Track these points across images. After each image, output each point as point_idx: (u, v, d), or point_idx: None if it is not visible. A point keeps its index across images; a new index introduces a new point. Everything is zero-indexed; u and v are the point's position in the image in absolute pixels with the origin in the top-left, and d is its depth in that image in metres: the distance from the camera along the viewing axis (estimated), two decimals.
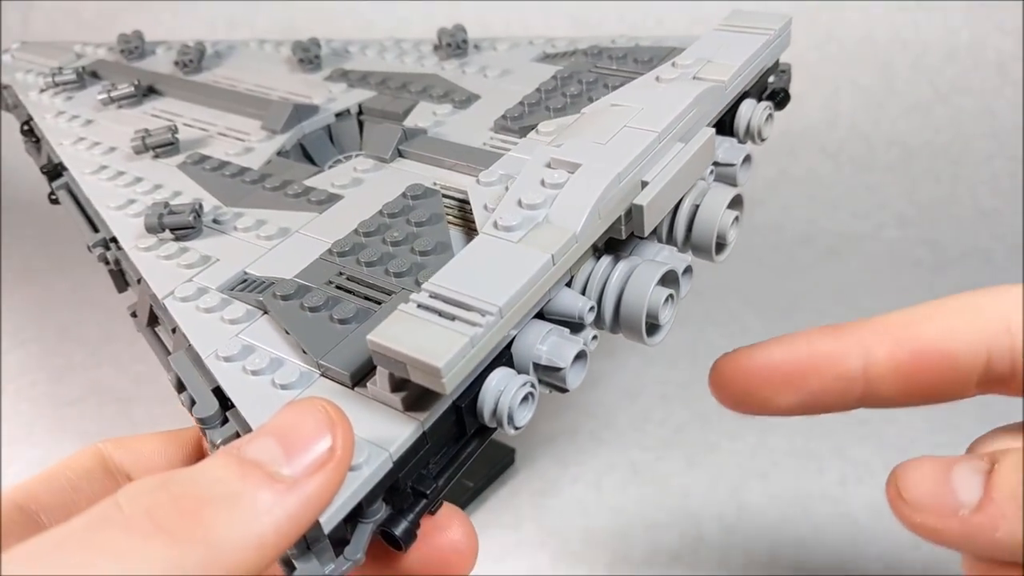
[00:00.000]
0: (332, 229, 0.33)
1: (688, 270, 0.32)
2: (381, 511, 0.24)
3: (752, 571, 0.45)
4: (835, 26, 0.85)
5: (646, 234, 0.29)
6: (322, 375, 0.26)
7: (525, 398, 0.26)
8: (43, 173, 0.45)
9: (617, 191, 0.28)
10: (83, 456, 0.29)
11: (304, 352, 0.27)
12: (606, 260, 0.29)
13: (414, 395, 0.24)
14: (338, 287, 0.29)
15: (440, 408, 0.25)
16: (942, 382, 0.25)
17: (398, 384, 0.24)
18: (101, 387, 0.64)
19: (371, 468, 0.23)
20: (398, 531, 0.24)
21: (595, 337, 0.29)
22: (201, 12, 0.99)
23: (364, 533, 0.23)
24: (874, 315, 0.26)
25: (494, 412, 0.25)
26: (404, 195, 0.33)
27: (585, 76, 0.40)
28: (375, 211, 0.33)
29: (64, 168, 0.43)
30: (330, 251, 0.31)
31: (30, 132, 0.50)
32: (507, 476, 0.52)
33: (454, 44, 0.47)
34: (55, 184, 0.44)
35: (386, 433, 0.24)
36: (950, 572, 0.44)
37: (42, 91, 0.53)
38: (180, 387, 0.28)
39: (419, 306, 0.24)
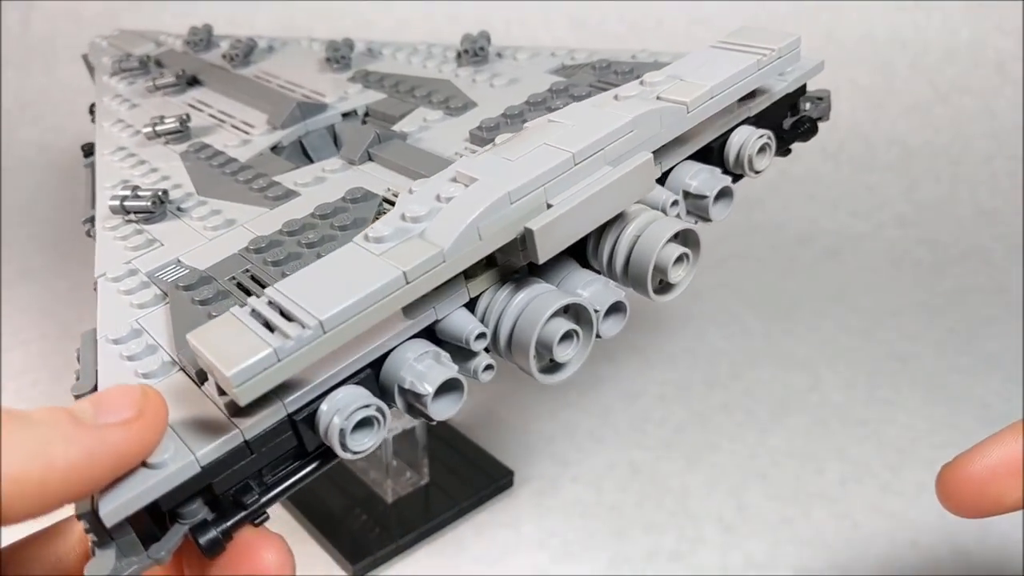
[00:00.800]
0: (271, 226, 0.32)
1: (619, 308, 0.28)
2: (199, 514, 0.23)
3: (752, 571, 0.45)
4: (835, 26, 0.85)
5: (540, 262, 0.26)
6: (180, 369, 0.25)
7: (367, 422, 0.24)
8: (82, 150, 0.48)
9: (508, 212, 0.25)
10: None
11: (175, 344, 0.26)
12: (510, 286, 0.27)
13: (242, 405, 0.23)
14: (238, 284, 0.28)
15: (269, 419, 0.23)
16: None
17: (222, 389, 0.23)
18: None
19: (173, 467, 0.22)
20: (202, 539, 0.23)
21: (489, 367, 0.27)
22: (201, 12, 0.99)
23: (175, 534, 0.23)
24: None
25: (326, 432, 0.24)
26: (344, 198, 0.32)
27: (579, 90, 0.38)
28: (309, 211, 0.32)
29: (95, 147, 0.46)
30: (247, 247, 0.30)
31: (93, 112, 0.53)
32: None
33: (472, 51, 0.46)
34: (86, 162, 0.46)
35: (202, 436, 0.23)
36: (949, 572, 0.44)
37: (112, 75, 0.56)
38: (79, 361, 0.28)
39: (252, 311, 0.23)
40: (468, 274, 0.27)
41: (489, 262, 0.27)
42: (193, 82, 0.53)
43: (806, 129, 0.37)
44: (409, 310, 0.25)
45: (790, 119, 0.37)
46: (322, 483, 0.51)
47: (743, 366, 0.59)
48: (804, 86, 0.37)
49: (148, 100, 0.51)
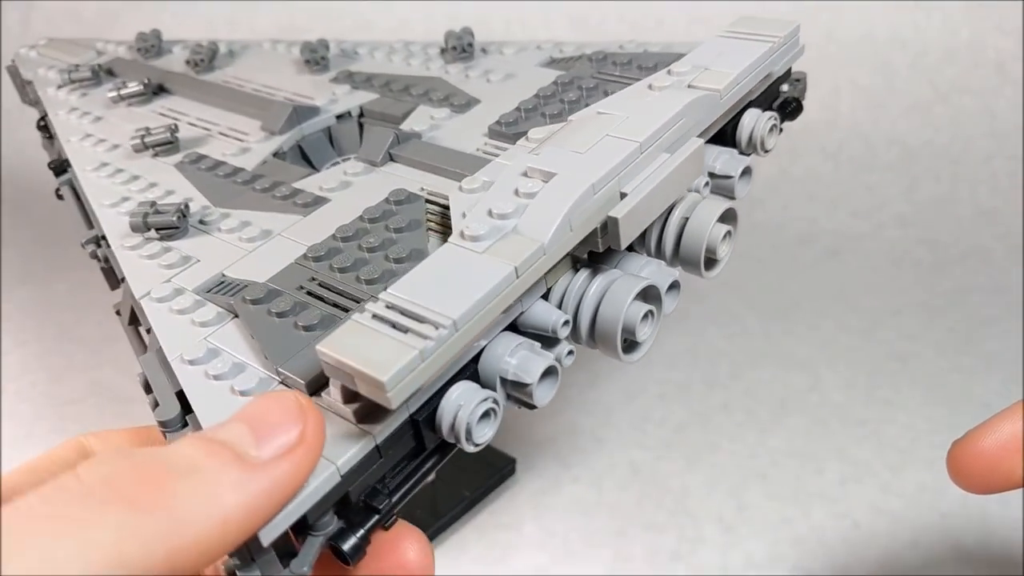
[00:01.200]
0: (314, 232, 0.32)
1: (675, 286, 0.30)
2: (332, 524, 0.23)
3: (752, 571, 0.45)
4: (835, 26, 0.85)
5: (623, 247, 0.28)
6: (281, 383, 0.25)
7: (486, 414, 0.25)
8: (50, 168, 0.45)
9: (592, 202, 0.27)
10: (65, 448, 0.28)
11: (266, 358, 0.26)
12: (584, 273, 0.28)
13: (367, 407, 0.23)
14: (309, 292, 0.28)
15: (395, 422, 0.24)
16: None
17: (350, 396, 0.23)
18: (101, 387, 0.64)
19: (317, 481, 0.22)
20: (346, 546, 0.23)
21: (571, 352, 0.28)
22: (201, 12, 0.99)
23: (312, 546, 0.23)
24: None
25: (452, 427, 0.24)
26: (387, 200, 0.32)
27: (586, 82, 0.39)
28: (356, 216, 0.32)
29: (69, 164, 0.43)
30: (305, 255, 0.30)
31: (45, 128, 0.51)
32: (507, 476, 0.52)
33: (460, 47, 0.46)
34: (60, 180, 0.44)
35: (337, 445, 0.23)
36: (949, 572, 0.44)
37: (59, 87, 0.53)
38: (147, 388, 0.28)
39: (374, 316, 0.23)
40: None
41: None
42: (159, 90, 0.51)
43: (792, 109, 0.40)
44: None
45: (779, 100, 0.39)
46: None
47: (743, 366, 0.59)
48: (790, 69, 0.39)
49: (112, 111, 0.49)
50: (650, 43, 0.43)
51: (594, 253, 0.29)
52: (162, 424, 0.26)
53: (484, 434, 0.25)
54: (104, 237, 0.36)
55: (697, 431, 0.54)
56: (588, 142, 0.29)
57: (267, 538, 0.21)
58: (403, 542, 0.25)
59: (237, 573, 0.22)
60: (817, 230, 0.74)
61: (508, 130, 0.36)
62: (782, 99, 0.39)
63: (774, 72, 0.37)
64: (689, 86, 0.32)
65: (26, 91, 0.58)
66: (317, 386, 0.25)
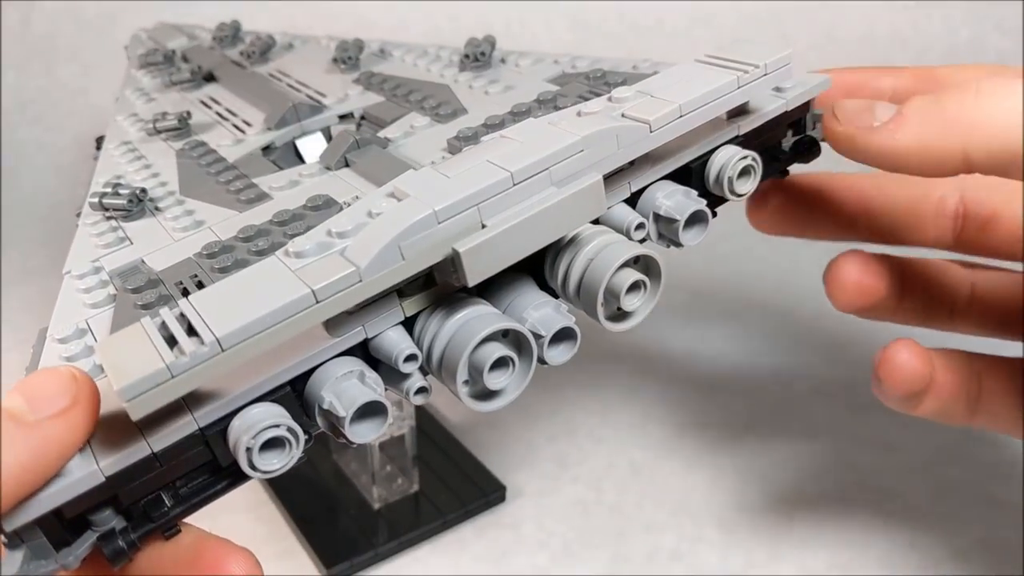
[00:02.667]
0: (234, 229, 0.31)
1: (568, 335, 0.27)
2: (111, 523, 0.23)
3: (752, 571, 0.45)
4: (835, 26, 0.85)
5: (470, 285, 0.25)
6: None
7: (277, 442, 0.23)
8: (96, 142, 0.47)
9: (435, 231, 0.24)
10: None
11: None
12: (444, 306, 0.26)
13: (134, 420, 0.22)
14: (184, 290, 0.27)
15: (178, 432, 0.23)
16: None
17: None
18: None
19: (77, 475, 0.22)
20: (106, 548, 0.23)
21: (422, 389, 0.26)
22: (201, 12, 0.99)
23: (84, 541, 0.23)
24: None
25: (234, 449, 0.23)
26: (305, 204, 0.31)
27: (568, 101, 0.36)
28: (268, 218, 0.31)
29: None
30: (200, 251, 0.29)
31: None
32: (507, 477, 0.52)
33: (473, 56, 0.45)
34: (96, 154, 0.46)
35: (109, 447, 0.22)
36: (949, 572, 0.44)
37: (139, 68, 0.56)
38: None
39: (162, 323, 0.22)
40: (404, 292, 0.26)
41: (428, 281, 0.26)
42: (209, 78, 0.53)
43: (806, 150, 0.36)
44: (333, 327, 0.25)
45: (791, 139, 0.35)
46: (311, 483, 0.51)
47: (743, 366, 0.59)
48: (807, 104, 0.35)
49: (164, 95, 0.51)
50: (664, 63, 0.40)
51: (485, 283, 0.26)
52: None
53: (271, 463, 0.23)
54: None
55: (697, 431, 0.54)
56: (464, 166, 0.26)
57: (12, 523, 0.21)
58: (229, 558, 0.24)
59: (4, 550, 0.22)
60: None
61: (464, 144, 0.34)
62: (796, 139, 0.35)
63: (760, 106, 0.33)
64: (623, 115, 0.28)
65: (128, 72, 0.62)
66: None
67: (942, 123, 0.25)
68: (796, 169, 0.37)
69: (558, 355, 0.27)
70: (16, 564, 0.22)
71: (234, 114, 0.46)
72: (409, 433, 0.49)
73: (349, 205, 0.31)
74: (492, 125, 0.35)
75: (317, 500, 0.50)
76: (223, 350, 0.21)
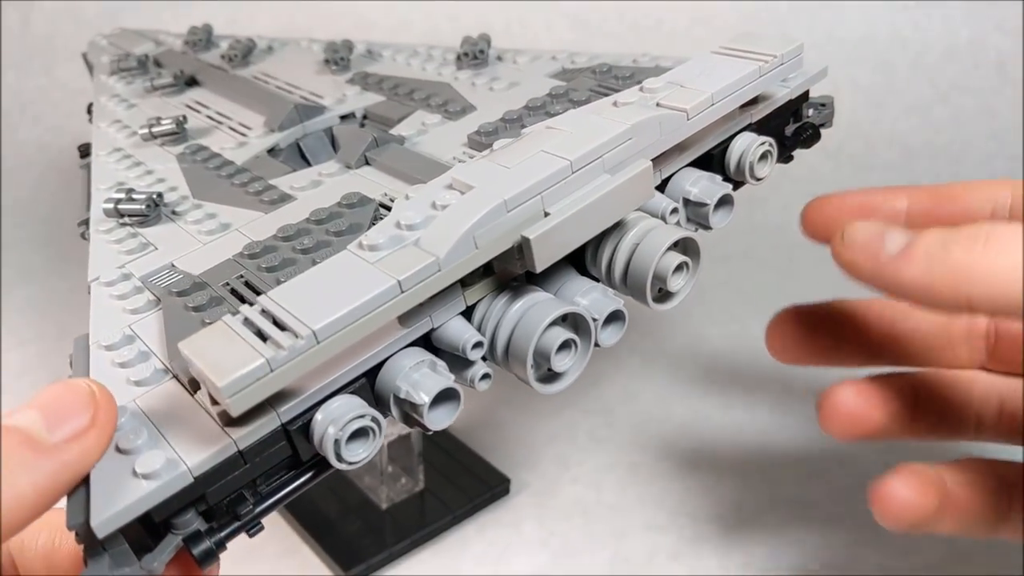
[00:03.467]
0: (267, 230, 0.31)
1: (617, 316, 0.28)
2: (193, 524, 0.23)
3: (752, 571, 0.45)
4: (835, 26, 0.85)
5: (538, 270, 0.26)
6: (172, 377, 0.25)
7: (363, 432, 0.24)
8: (78, 150, 0.48)
9: (505, 220, 0.25)
10: None
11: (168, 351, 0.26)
12: (507, 294, 0.27)
13: (234, 416, 0.22)
14: (232, 290, 0.28)
15: (262, 430, 0.23)
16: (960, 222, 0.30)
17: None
18: None
19: (166, 478, 0.22)
20: (195, 550, 0.23)
21: (487, 376, 0.26)
22: (201, 12, 0.99)
23: (169, 544, 0.23)
24: None
25: (321, 442, 0.23)
26: (339, 203, 0.32)
27: (579, 95, 0.37)
28: (305, 216, 0.31)
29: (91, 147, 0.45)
30: (242, 252, 0.30)
31: (91, 111, 0.54)
32: (508, 477, 0.52)
33: (472, 53, 0.45)
34: (82, 163, 0.46)
35: (196, 446, 0.22)
36: (949, 572, 0.44)
37: (110, 74, 0.56)
38: (71, 367, 0.28)
39: (245, 320, 0.23)
40: (465, 282, 0.26)
41: (486, 270, 0.27)
42: (191, 83, 0.52)
43: (808, 136, 0.37)
44: (405, 318, 0.25)
45: (792, 125, 0.37)
46: (317, 489, 0.50)
47: (743, 366, 0.59)
48: (807, 92, 0.36)
49: (146, 100, 0.51)
50: (663, 57, 0.41)
51: (533, 274, 0.27)
52: None
53: (357, 454, 0.24)
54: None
55: (697, 431, 0.54)
56: (520, 156, 0.27)
57: (100, 531, 0.21)
58: None
59: (87, 560, 0.22)
60: None
61: (486, 140, 0.35)
62: (797, 125, 0.37)
63: (772, 95, 0.35)
64: (658, 104, 0.30)
65: (92, 77, 0.61)
66: (198, 385, 0.24)
67: (948, 268, 0.26)
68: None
69: (609, 336, 0.28)
70: (101, 572, 0.21)
71: (228, 117, 0.45)
72: (415, 432, 0.49)
73: (381, 202, 0.32)
74: (510, 120, 0.36)
75: (325, 506, 0.50)
76: (319, 342, 0.22)
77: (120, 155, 0.42)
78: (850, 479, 0.50)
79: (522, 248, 0.25)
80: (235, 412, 0.21)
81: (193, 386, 0.24)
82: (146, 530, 0.22)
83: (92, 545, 0.21)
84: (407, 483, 0.50)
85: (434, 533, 0.48)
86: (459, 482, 0.50)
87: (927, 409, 0.35)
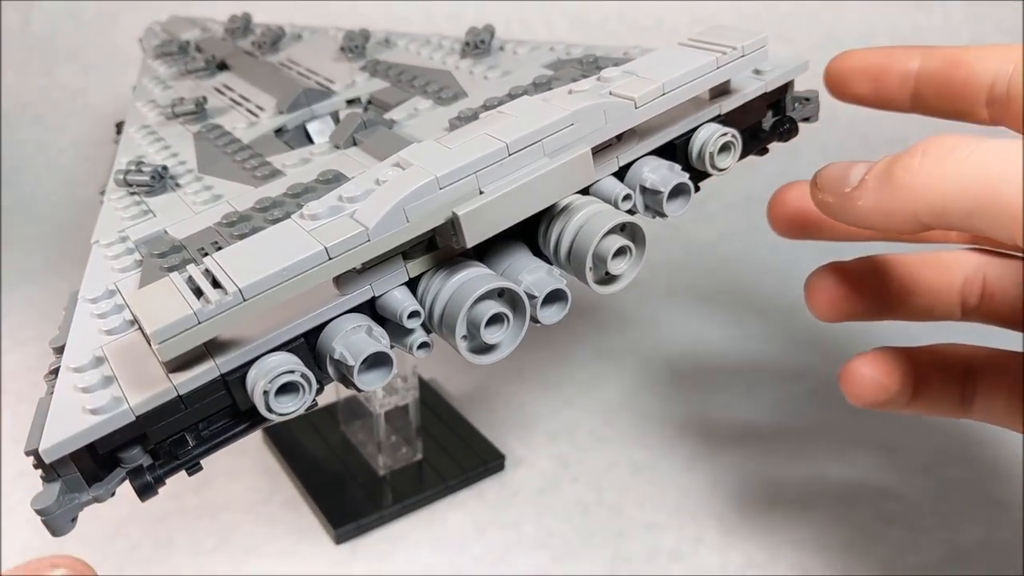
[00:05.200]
0: (250, 202, 0.34)
1: (559, 296, 0.29)
2: (139, 460, 0.25)
3: (752, 571, 0.45)
4: (835, 26, 0.85)
5: (468, 246, 0.27)
6: (137, 328, 0.27)
7: (292, 387, 0.25)
8: (116, 127, 0.51)
9: (436, 196, 0.26)
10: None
11: None
12: (445, 267, 0.28)
13: (179, 358, 0.25)
14: (205, 254, 0.30)
15: (202, 378, 0.25)
16: (961, 91, 0.34)
17: None
18: None
19: (109, 414, 0.24)
20: (135, 483, 0.25)
21: (424, 344, 0.28)
22: (201, 12, 0.99)
23: (115, 476, 0.25)
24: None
25: (252, 393, 0.25)
26: (316, 178, 0.34)
27: (561, 83, 0.38)
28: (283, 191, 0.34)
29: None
30: (220, 221, 0.32)
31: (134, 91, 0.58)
32: (506, 475, 0.52)
33: (474, 43, 0.48)
34: (116, 138, 0.49)
35: (139, 388, 0.24)
36: (949, 572, 0.44)
37: (155, 58, 0.60)
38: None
39: (188, 278, 0.25)
40: (408, 255, 0.28)
41: (430, 245, 0.28)
42: (223, 67, 0.56)
43: (786, 130, 0.37)
44: (343, 285, 0.27)
45: (771, 119, 0.37)
46: (322, 452, 0.54)
47: (744, 366, 0.59)
48: (787, 86, 0.37)
49: (180, 83, 0.54)
50: (655, 49, 0.42)
51: (484, 250, 0.29)
52: (53, 349, 0.28)
53: (286, 406, 0.25)
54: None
55: (697, 431, 0.54)
56: (463, 138, 0.28)
57: (48, 456, 0.23)
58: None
59: (42, 483, 0.24)
60: None
61: (463, 124, 0.36)
62: (776, 119, 0.37)
63: (741, 87, 0.35)
64: (610, 93, 0.30)
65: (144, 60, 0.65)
66: None
67: (892, 189, 0.27)
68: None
69: (551, 315, 0.29)
70: (52, 495, 0.24)
71: (247, 100, 0.48)
72: (413, 404, 0.51)
73: (350, 179, 0.33)
74: (491, 106, 0.37)
75: (325, 468, 0.52)
76: (244, 300, 0.24)
77: (146, 131, 0.45)
78: (850, 478, 0.50)
79: (454, 224, 0.27)
80: (163, 358, 0.24)
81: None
82: (98, 463, 0.25)
83: (47, 471, 0.24)
84: (406, 452, 0.52)
85: (429, 499, 0.50)
86: (455, 454, 0.52)
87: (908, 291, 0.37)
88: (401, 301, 0.27)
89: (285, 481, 0.52)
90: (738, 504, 0.48)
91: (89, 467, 0.24)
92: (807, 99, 0.38)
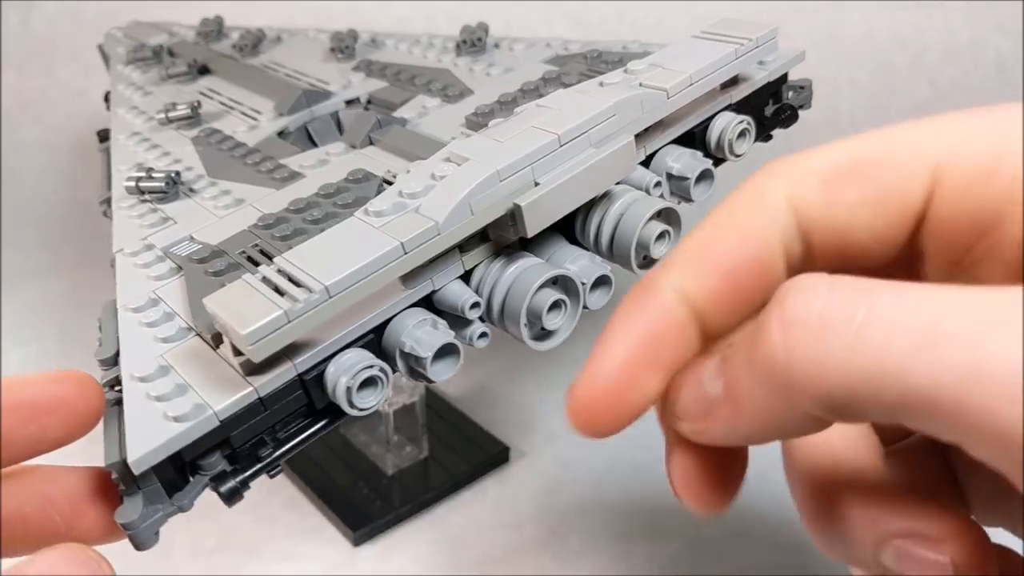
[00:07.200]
0: (278, 204, 0.34)
1: (604, 281, 0.30)
2: (219, 466, 0.25)
3: (752, 571, 0.45)
4: (835, 26, 0.85)
5: (529, 235, 0.28)
6: (196, 334, 0.27)
7: (372, 382, 0.26)
8: (97, 135, 0.50)
9: (498, 189, 0.27)
10: None
11: (191, 311, 0.28)
12: (502, 258, 0.29)
13: (256, 362, 0.25)
14: (248, 257, 0.30)
15: (281, 379, 0.25)
16: (760, 289, 0.21)
17: (238, 349, 0.25)
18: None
19: (192, 422, 0.24)
20: (222, 488, 0.25)
21: (484, 335, 0.29)
22: (201, 11, 0.99)
23: (197, 484, 0.25)
24: None
25: (334, 391, 0.26)
26: (346, 178, 0.34)
27: (570, 78, 0.39)
28: (314, 191, 0.34)
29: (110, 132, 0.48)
30: (256, 223, 0.32)
31: (108, 99, 0.56)
32: (507, 476, 0.52)
33: (470, 41, 0.48)
34: (101, 147, 0.48)
35: (221, 393, 0.25)
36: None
37: (126, 64, 0.59)
38: (100, 330, 0.30)
39: (263, 278, 0.25)
40: (463, 248, 0.28)
41: (483, 237, 0.29)
42: (204, 71, 0.55)
43: (787, 116, 0.39)
44: (407, 280, 0.27)
45: (772, 107, 0.39)
46: (327, 458, 0.54)
47: None
48: (785, 75, 0.39)
49: (161, 88, 0.53)
50: (652, 43, 0.43)
51: (527, 241, 0.30)
52: (101, 363, 0.28)
53: (367, 401, 0.26)
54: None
55: None
56: (512, 132, 0.29)
57: (137, 467, 0.23)
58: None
59: (123, 498, 0.24)
60: None
61: (482, 120, 0.37)
62: (778, 106, 0.39)
63: (751, 76, 0.37)
64: (640, 84, 0.32)
65: (108, 68, 0.64)
66: (222, 339, 0.26)
67: (766, 389, 0.19)
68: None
69: (598, 299, 0.30)
70: (137, 508, 0.23)
71: (239, 103, 0.48)
72: (420, 402, 0.51)
73: (384, 178, 0.35)
74: (505, 102, 0.38)
75: (334, 474, 0.52)
76: (330, 297, 0.24)
77: (139, 139, 0.45)
78: None
79: (514, 215, 0.28)
80: (256, 358, 0.24)
81: (216, 341, 0.26)
82: (178, 473, 0.25)
83: (128, 484, 0.24)
84: (412, 451, 0.52)
85: (439, 496, 0.50)
86: (460, 450, 0.52)
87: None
88: (460, 293, 0.28)
89: (285, 481, 0.52)
90: (738, 504, 0.48)
91: (169, 477, 0.24)
92: (801, 87, 0.40)
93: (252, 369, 0.25)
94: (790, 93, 0.39)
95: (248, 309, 0.24)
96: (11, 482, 0.25)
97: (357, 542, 0.47)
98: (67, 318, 0.72)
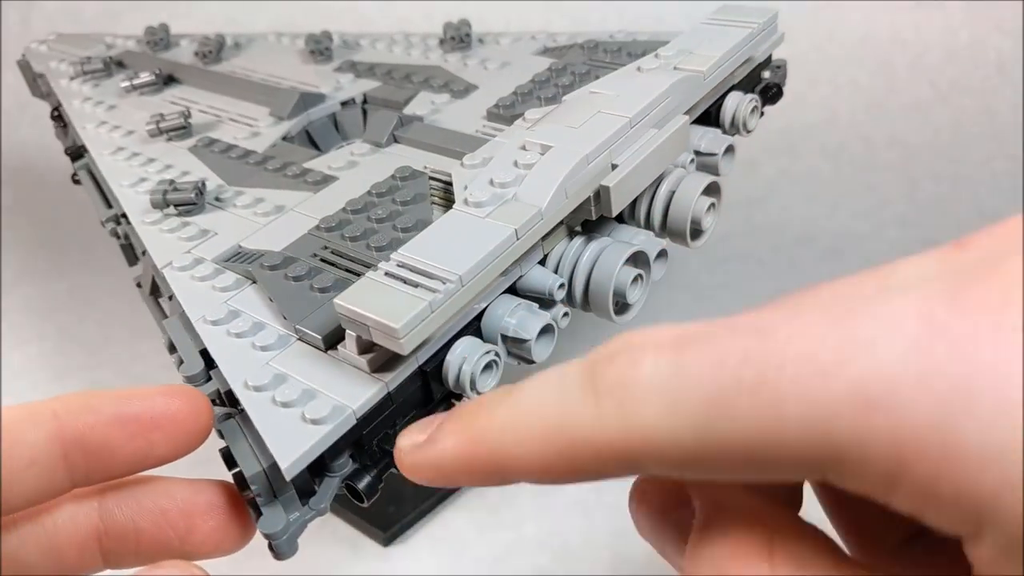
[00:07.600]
0: (324, 207, 0.34)
1: (663, 254, 0.32)
2: (347, 466, 0.26)
3: None
4: (835, 26, 0.85)
5: (614, 214, 0.30)
6: (299, 339, 0.27)
7: (488, 366, 0.27)
8: (67, 154, 0.48)
9: (585, 172, 0.29)
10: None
11: (284, 318, 0.28)
12: (579, 240, 0.31)
13: (380, 358, 0.26)
14: (323, 260, 0.31)
15: (406, 371, 0.26)
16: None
17: (365, 347, 0.25)
18: (101, 387, 0.63)
19: (334, 423, 0.24)
20: (361, 485, 0.26)
21: (566, 314, 0.30)
22: (201, 11, 0.99)
23: (330, 486, 0.25)
24: None
25: (457, 378, 0.27)
26: (393, 176, 0.35)
27: (578, 68, 0.41)
28: (365, 191, 0.34)
29: (86, 150, 0.46)
30: (318, 226, 0.33)
31: (59, 117, 0.53)
32: None
33: (458, 37, 0.48)
34: (76, 165, 0.47)
35: (353, 392, 0.25)
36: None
37: (72, 79, 0.56)
38: (172, 349, 0.30)
39: (386, 274, 0.25)
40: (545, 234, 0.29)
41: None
42: (169, 80, 0.53)
43: (773, 94, 0.42)
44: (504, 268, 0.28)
45: (760, 85, 0.42)
46: None
47: None
48: (770, 56, 0.41)
49: (124, 100, 0.51)
50: (639, 32, 0.45)
51: (588, 223, 0.31)
52: (188, 379, 0.28)
53: (487, 384, 0.27)
54: (125, 215, 0.38)
55: None
56: (581, 118, 0.31)
57: (289, 474, 0.23)
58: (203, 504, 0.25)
59: (261, 509, 0.24)
60: (817, 230, 0.74)
61: (505, 112, 0.39)
62: (763, 84, 0.41)
63: (755, 57, 0.39)
64: (675, 68, 0.34)
65: (37, 84, 0.60)
66: (333, 340, 0.27)
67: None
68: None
69: (658, 272, 0.32)
70: (280, 516, 0.24)
71: (224, 110, 0.47)
72: None
73: (430, 174, 0.35)
74: (523, 94, 0.40)
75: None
76: (463, 285, 0.25)
77: (127, 153, 0.43)
78: None
79: (599, 195, 0.29)
80: (406, 350, 0.24)
81: (328, 343, 0.27)
82: (312, 477, 0.25)
83: (267, 494, 0.24)
84: None
85: (454, 490, 0.50)
86: None
87: None
88: (545, 277, 0.29)
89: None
90: None
91: (302, 483, 0.24)
92: (778, 67, 0.43)
93: (379, 366, 0.26)
94: (767, 72, 0.42)
95: (391, 304, 0.24)
96: (121, 494, 0.24)
97: (387, 542, 0.47)
98: (67, 318, 0.72)
